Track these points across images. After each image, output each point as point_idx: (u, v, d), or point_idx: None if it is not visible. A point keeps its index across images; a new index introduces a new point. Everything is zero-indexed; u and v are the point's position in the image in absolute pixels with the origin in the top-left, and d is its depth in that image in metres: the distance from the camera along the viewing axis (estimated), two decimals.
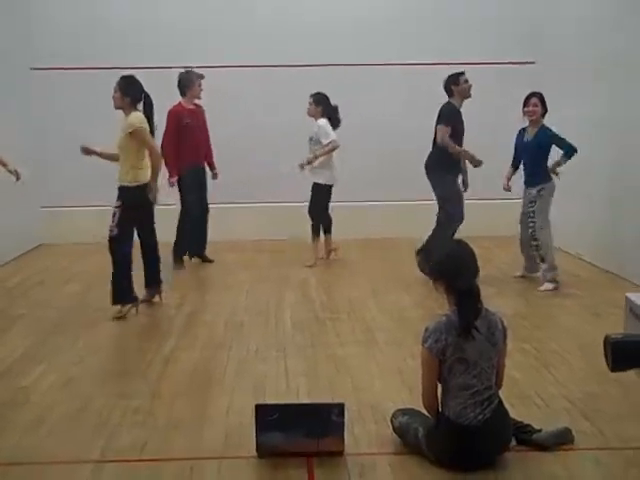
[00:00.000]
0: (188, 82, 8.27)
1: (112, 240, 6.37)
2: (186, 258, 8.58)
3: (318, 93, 8.38)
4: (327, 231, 8.74)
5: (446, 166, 7.53)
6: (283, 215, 9.64)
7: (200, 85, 8.32)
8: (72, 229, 9.66)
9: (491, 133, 9.17)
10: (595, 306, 6.63)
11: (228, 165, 8.84)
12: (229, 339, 5.90)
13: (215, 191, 8.64)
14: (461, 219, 7.58)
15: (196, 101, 8.43)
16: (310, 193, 8.50)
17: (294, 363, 5.29)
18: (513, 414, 3.90)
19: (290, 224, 9.30)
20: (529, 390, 4.68)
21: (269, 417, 3.82)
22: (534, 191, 7.30)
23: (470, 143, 7.70)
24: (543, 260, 7.32)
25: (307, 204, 8.54)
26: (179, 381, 5.02)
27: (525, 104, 7.35)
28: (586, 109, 8.19)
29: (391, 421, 4.02)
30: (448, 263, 3.80)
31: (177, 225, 8.42)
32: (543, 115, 7.35)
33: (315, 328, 6.19)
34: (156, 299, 6.87)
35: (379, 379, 4.96)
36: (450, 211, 7.54)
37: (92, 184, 8.94)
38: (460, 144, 7.58)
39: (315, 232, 8.55)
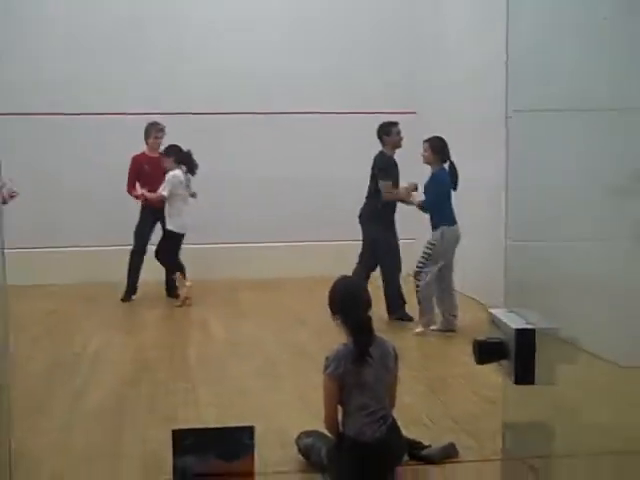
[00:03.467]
0: (146, 133, 8.94)
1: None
2: None
3: (172, 145, 8.61)
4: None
5: (383, 218, 7.71)
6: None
7: (157, 138, 8.90)
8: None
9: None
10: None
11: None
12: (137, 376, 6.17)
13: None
14: (399, 269, 7.81)
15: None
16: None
17: (203, 394, 5.62)
18: (405, 433, 4.36)
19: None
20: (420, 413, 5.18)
21: (185, 441, 4.14)
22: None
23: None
24: None
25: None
26: (90, 415, 5.25)
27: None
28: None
29: (296, 443, 4.42)
30: (341, 300, 4.25)
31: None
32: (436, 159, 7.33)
33: (220, 363, 6.54)
34: None
35: (284, 408, 5.33)
36: (389, 263, 7.74)
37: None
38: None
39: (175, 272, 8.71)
